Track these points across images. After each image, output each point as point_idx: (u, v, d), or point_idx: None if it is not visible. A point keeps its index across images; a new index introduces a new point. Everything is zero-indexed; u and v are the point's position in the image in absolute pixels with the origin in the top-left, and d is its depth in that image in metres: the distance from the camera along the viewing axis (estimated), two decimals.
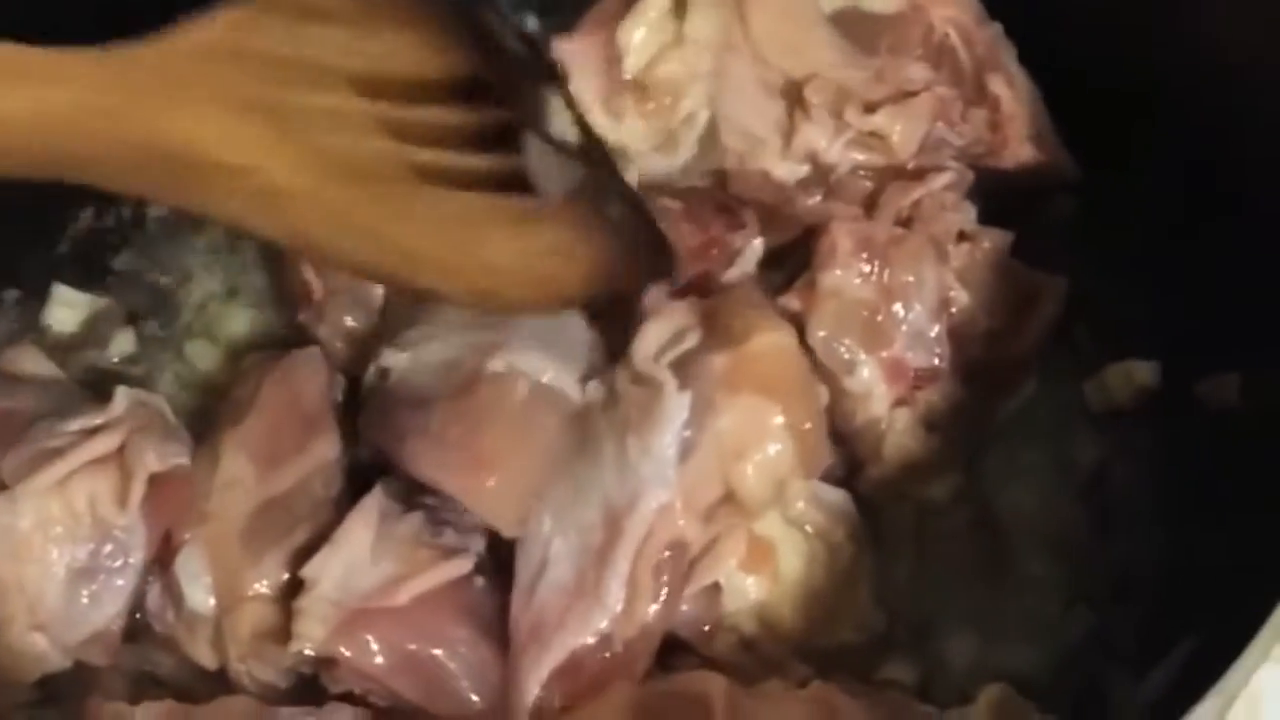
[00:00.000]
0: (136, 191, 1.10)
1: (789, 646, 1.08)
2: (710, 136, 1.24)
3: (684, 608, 1.08)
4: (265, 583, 1.10)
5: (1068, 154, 1.25)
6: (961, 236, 1.21)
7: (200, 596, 1.11)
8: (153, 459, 1.12)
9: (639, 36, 1.20)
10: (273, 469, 1.14)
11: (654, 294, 1.16)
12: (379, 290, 1.22)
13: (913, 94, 1.22)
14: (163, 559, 1.13)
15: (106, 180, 0.94)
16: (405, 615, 1.06)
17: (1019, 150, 1.24)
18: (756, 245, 1.20)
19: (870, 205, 1.22)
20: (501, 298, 1.09)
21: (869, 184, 1.23)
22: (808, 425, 1.09)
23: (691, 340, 1.11)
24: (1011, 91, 1.24)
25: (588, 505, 1.07)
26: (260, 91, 0.98)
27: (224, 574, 1.11)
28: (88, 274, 1.32)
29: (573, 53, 1.21)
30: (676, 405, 1.07)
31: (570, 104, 1.13)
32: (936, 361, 1.16)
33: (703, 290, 1.20)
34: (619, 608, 1.04)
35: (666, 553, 1.05)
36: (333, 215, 1.00)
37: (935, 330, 1.17)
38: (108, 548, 1.11)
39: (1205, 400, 1.12)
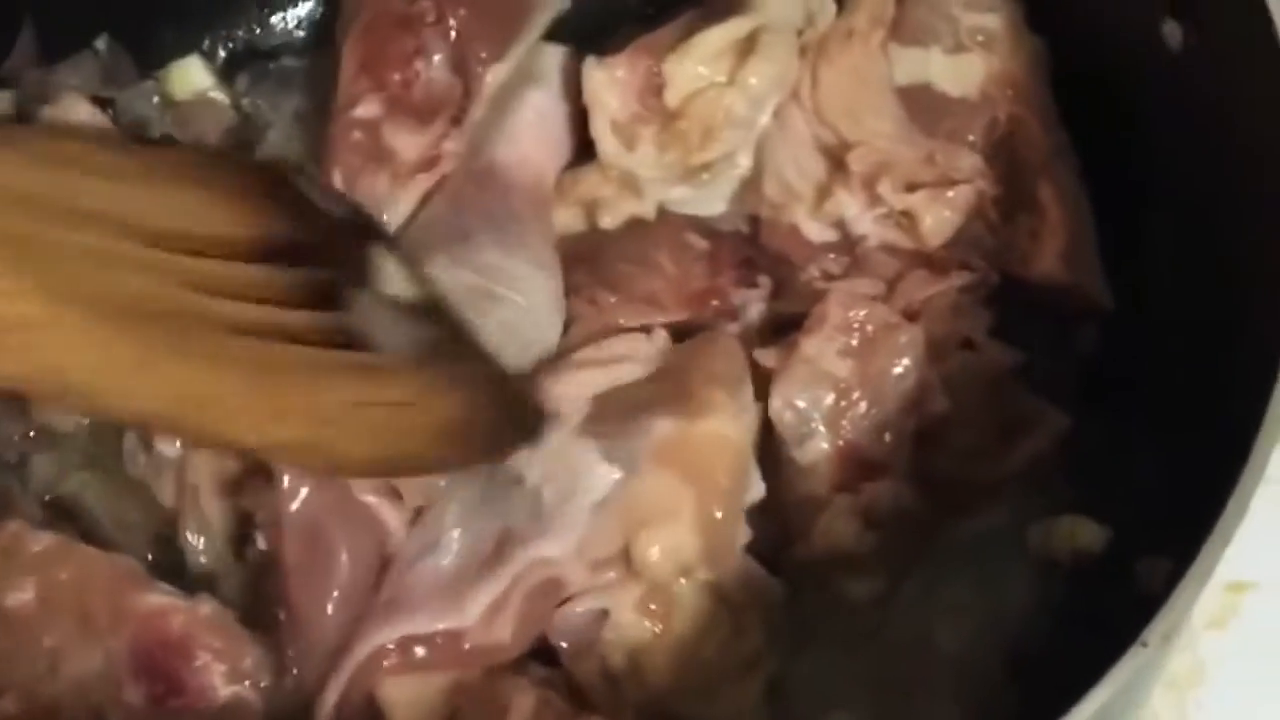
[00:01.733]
0: None
1: (645, 698, 1.05)
2: (754, 182, 1.22)
3: (577, 609, 1.07)
4: None
5: (1103, 283, 1.19)
6: (967, 344, 1.16)
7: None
8: None
9: (688, 70, 1.18)
10: None
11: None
12: None
13: (957, 183, 1.18)
14: None
15: None
16: None
17: (1049, 265, 1.19)
18: (758, 308, 1.19)
19: (891, 289, 1.19)
20: (334, 452, 1.03)
21: (896, 264, 1.19)
22: (719, 517, 1.06)
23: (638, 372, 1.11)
24: (1060, 205, 1.19)
25: (490, 518, 1.07)
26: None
27: None
28: None
29: (606, 79, 1.19)
30: (602, 481, 1.06)
31: (403, 263, 1.09)
32: (892, 461, 1.12)
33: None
34: (475, 619, 1.04)
35: (540, 584, 1.04)
36: (104, 350, 0.93)
37: (902, 429, 1.13)
38: None
39: (1138, 580, 1.02)
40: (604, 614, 1.07)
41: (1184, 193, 1.13)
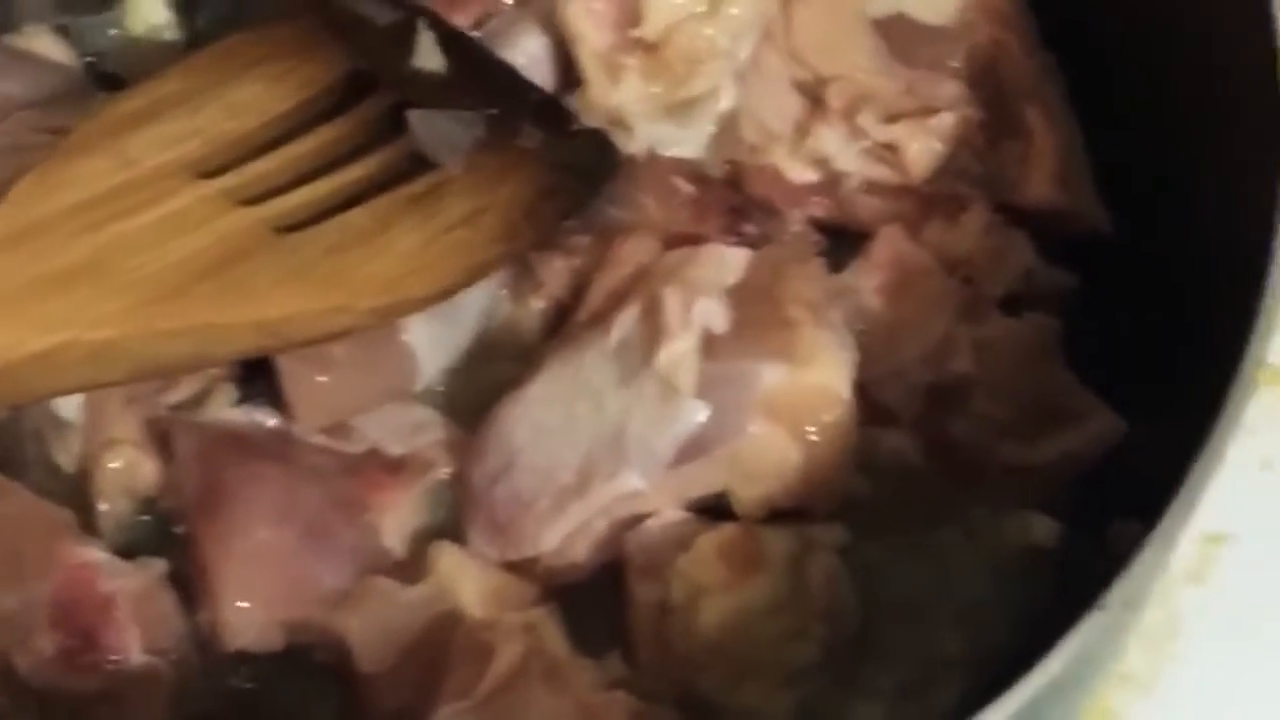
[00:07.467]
0: None
1: (685, 648, 1.02)
2: (732, 124, 1.18)
3: (661, 526, 1.05)
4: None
5: (1098, 205, 1.15)
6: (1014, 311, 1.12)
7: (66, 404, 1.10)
8: None
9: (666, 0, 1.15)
10: None
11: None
12: None
13: (939, 111, 1.14)
14: None
15: None
16: None
17: (1041, 190, 1.14)
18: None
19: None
20: (409, 300, 1.03)
21: (879, 204, 1.16)
22: (823, 470, 1.04)
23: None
24: (1048, 128, 1.15)
25: (572, 446, 1.05)
26: (65, 253, 0.94)
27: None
28: None
29: (583, 9, 1.16)
30: (688, 416, 1.03)
31: (435, 23, 1.12)
32: (900, 410, 1.08)
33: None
34: (552, 547, 1.04)
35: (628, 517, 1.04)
36: (180, 330, 0.95)
37: (916, 381, 1.08)
38: None
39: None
40: (685, 544, 1.04)
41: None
